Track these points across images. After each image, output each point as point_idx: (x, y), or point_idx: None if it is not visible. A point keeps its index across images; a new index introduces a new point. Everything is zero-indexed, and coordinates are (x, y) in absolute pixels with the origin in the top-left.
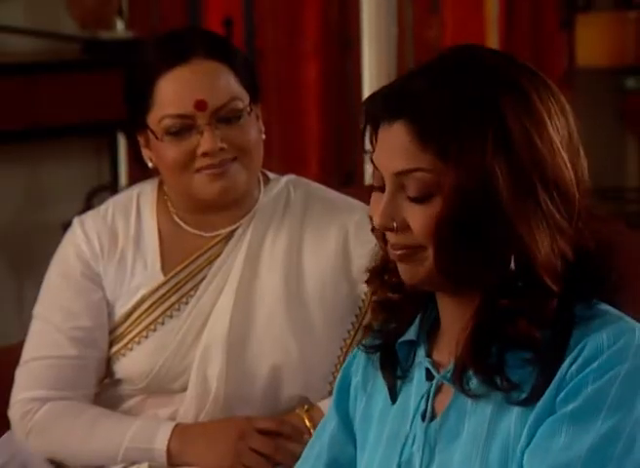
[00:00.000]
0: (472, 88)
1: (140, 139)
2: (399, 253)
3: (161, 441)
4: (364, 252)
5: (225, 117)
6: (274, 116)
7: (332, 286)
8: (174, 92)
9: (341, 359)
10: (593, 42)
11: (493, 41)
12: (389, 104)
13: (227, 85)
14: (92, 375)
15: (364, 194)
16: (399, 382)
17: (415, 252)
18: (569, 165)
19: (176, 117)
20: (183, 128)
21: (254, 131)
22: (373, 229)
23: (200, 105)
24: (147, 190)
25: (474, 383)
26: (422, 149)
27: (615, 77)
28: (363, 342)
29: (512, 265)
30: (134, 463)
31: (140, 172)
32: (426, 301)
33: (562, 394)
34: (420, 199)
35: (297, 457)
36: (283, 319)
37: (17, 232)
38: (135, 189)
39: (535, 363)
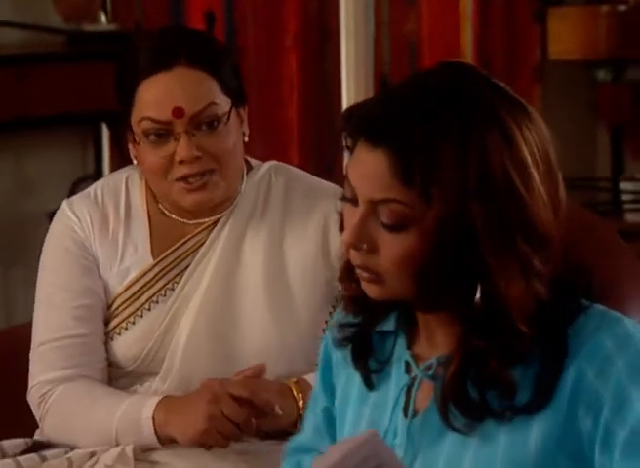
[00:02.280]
0: (457, 126)
1: (128, 136)
2: (364, 275)
3: (147, 411)
4: None
5: (203, 123)
6: (254, 109)
7: (312, 271)
8: (154, 97)
9: None
10: (565, 35)
11: (467, 34)
12: (371, 129)
13: (207, 92)
14: (101, 349)
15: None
16: (375, 372)
17: (377, 278)
18: (548, 201)
19: (154, 122)
20: (161, 134)
21: (232, 139)
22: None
23: (177, 112)
24: (135, 177)
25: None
26: (402, 183)
27: (586, 70)
28: (332, 337)
29: (478, 298)
30: (123, 443)
31: (123, 161)
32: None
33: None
34: (394, 228)
35: (261, 432)
36: (265, 304)
37: (2, 220)
38: (122, 173)
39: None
